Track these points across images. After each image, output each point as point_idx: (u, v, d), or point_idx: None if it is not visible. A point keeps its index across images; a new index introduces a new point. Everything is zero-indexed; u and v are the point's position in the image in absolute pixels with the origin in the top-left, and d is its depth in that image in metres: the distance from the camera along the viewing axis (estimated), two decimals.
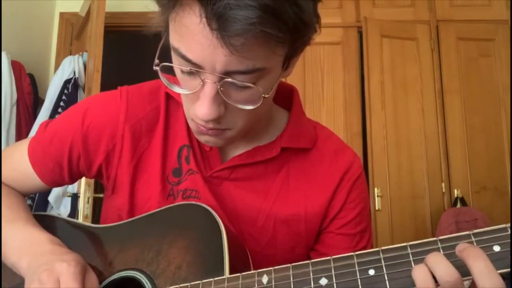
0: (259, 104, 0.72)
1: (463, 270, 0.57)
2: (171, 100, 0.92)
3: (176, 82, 0.75)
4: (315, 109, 3.29)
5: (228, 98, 0.70)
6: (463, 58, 3.39)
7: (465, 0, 3.52)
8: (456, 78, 3.35)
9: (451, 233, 2.85)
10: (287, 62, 0.75)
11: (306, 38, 0.72)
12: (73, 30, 3.59)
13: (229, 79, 0.68)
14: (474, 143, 3.27)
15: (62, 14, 3.66)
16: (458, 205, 3.12)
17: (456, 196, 3.17)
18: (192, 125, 0.80)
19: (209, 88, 0.69)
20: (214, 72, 0.67)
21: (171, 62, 0.77)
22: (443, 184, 3.22)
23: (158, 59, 0.72)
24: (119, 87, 0.94)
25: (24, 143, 0.96)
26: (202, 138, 0.81)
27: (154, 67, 0.72)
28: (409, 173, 3.22)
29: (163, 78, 0.74)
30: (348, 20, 3.48)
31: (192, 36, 0.65)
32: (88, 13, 3.03)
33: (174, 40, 0.69)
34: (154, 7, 0.77)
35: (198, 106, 0.71)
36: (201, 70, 0.68)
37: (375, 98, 3.30)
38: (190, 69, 0.68)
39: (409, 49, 3.41)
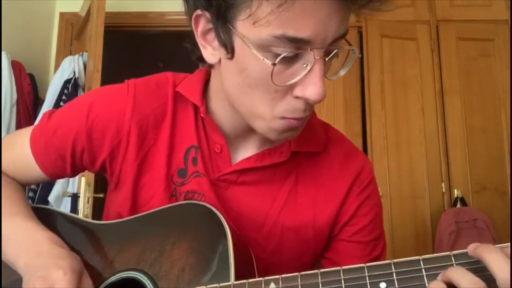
0: (347, 69, 0.77)
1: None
2: (179, 98, 0.89)
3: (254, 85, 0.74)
4: (315, 109, 3.27)
5: (326, 72, 0.72)
6: (463, 58, 3.38)
7: (465, 0, 3.51)
8: (456, 78, 3.35)
9: (451, 233, 2.83)
10: None
11: None
12: (73, 30, 3.57)
13: (336, 50, 0.70)
14: (474, 143, 3.26)
15: (62, 14, 3.64)
16: (458, 205, 3.11)
17: (456, 196, 3.16)
18: (277, 125, 0.76)
19: (320, 65, 0.69)
20: (324, 44, 0.68)
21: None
22: (443, 184, 3.21)
23: (267, 59, 0.68)
24: (126, 81, 0.92)
25: (26, 132, 0.94)
26: (286, 135, 0.78)
27: (270, 65, 0.68)
28: (409, 173, 3.22)
29: (277, 76, 0.70)
30: None
31: (307, 13, 0.65)
32: (88, 13, 3.02)
33: (276, 28, 0.66)
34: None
35: (311, 88, 0.70)
36: (312, 49, 0.67)
37: (375, 98, 3.29)
38: (310, 49, 0.67)
39: (409, 49, 3.40)
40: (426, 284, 0.59)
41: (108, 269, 0.82)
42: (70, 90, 3.02)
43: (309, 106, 0.74)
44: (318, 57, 0.68)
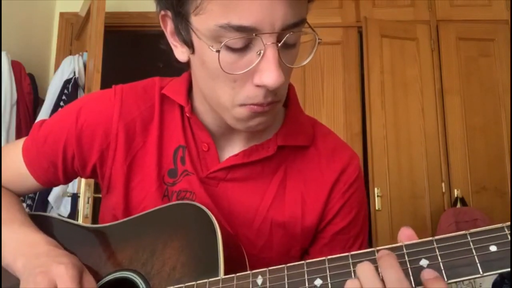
0: (310, 58, 0.75)
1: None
2: (166, 100, 0.91)
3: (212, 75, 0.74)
4: (315, 109, 3.29)
5: (285, 60, 0.71)
6: (463, 58, 3.39)
7: (465, 0, 3.52)
8: (456, 78, 3.35)
9: (451, 233, 2.86)
10: None
11: None
12: (73, 30, 3.59)
13: (289, 33, 0.68)
14: (474, 143, 3.26)
15: (62, 14, 3.66)
16: (458, 205, 3.11)
17: (456, 196, 3.17)
18: (240, 113, 0.76)
19: (272, 51, 0.68)
20: (274, 31, 0.67)
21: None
22: (443, 184, 3.21)
23: (211, 47, 0.70)
24: (113, 86, 0.93)
25: (19, 143, 0.96)
26: (254, 122, 0.78)
27: (214, 52, 0.69)
28: (409, 173, 3.22)
29: (223, 64, 0.70)
30: (348, 20, 3.48)
31: (247, 0, 0.65)
32: (88, 13, 3.03)
33: (220, 17, 0.67)
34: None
35: (265, 75, 0.69)
36: (259, 35, 0.67)
37: (375, 98, 3.29)
38: (255, 35, 0.67)
39: (409, 49, 3.41)
40: (409, 269, 0.59)
41: (103, 270, 0.83)
42: (70, 90, 3.02)
43: (270, 93, 0.73)
44: (268, 43, 0.68)
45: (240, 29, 0.67)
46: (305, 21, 0.71)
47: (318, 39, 0.74)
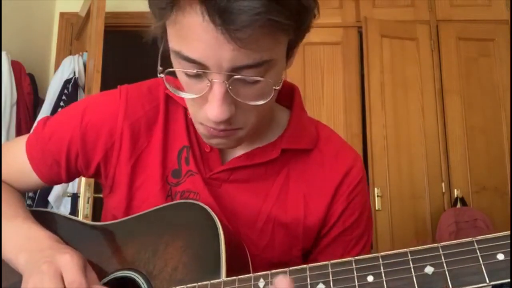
0: (270, 98, 0.71)
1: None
2: (170, 100, 0.91)
3: (180, 87, 0.74)
4: (315, 109, 3.28)
5: (238, 96, 0.69)
6: (463, 58, 3.39)
7: (465, 0, 3.52)
8: (456, 78, 3.35)
9: (451, 233, 2.82)
10: (290, 52, 0.74)
11: (307, 23, 0.71)
12: (73, 30, 3.59)
13: (238, 76, 0.66)
14: (474, 143, 3.26)
15: (62, 14, 3.66)
16: (458, 205, 3.11)
17: (456, 196, 3.16)
18: (201, 130, 0.77)
19: (218, 88, 0.67)
20: (221, 71, 0.66)
21: (172, 67, 0.78)
22: (443, 184, 3.21)
23: (161, 66, 0.71)
24: (118, 86, 0.93)
25: (22, 139, 0.95)
26: (214, 141, 0.79)
27: (158, 75, 0.71)
28: (409, 173, 3.22)
29: (168, 84, 0.73)
30: (348, 20, 3.48)
31: (195, 36, 0.64)
32: (88, 13, 3.03)
33: (175, 43, 0.68)
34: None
35: (209, 109, 0.69)
36: (207, 71, 0.66)
37: (375, 98, 3.29)
38: (197, 71, 0.67)
39: (409, 49, 3.41)
40: (413, 277, 0.58)
41: (104, 269, 0.82)
42: (70, 90, 3.02)
43: (223, 122, 0.72)
44: (215, 81, 0.67)
45: (189, 60, 0.67)
46: (266, 63, 0.67)
47: (274, 87, 0.71)
